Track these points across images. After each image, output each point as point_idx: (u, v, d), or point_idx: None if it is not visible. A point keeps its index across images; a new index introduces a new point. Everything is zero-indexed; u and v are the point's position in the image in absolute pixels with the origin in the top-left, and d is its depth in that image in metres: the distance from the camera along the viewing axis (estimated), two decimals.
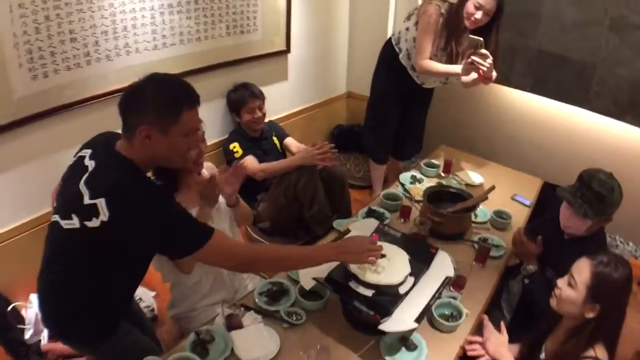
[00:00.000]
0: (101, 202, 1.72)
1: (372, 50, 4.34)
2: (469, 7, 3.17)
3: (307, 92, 4.67)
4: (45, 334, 2.89)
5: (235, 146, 3.44)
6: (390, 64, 3.75)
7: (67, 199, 1.87)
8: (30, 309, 2.91)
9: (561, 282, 1.93)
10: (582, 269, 1.86)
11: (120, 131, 1.88)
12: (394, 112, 3.95)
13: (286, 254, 2.06)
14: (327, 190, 3.44)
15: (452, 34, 3.34)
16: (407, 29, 3.54)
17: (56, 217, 1.87)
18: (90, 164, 1.86)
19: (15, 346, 2.74)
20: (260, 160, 3.46)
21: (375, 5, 4.58)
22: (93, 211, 1.73)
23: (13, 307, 2.84)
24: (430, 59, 3.41)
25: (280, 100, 4.20)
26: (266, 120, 3.68)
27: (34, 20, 2.59)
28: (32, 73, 2.68)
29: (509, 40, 4.06)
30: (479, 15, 3.15)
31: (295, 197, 3.35)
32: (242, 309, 2.16)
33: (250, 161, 3.39)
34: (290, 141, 3.76)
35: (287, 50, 4.19)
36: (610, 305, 1.83)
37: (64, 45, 2.76)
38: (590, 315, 1.84)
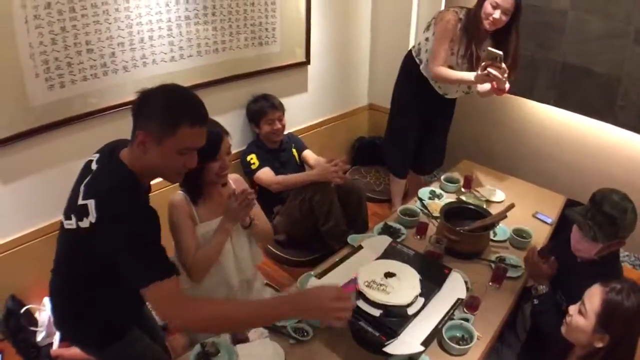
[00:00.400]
0: (91, 203, 1.73)
1: (394, 62, 4.31)
2: (487, 7, 3.13)
3: (328, 104, 4.67)
4: (57, 337, 2.92)
5: (252, 157, 3.45)
6: (410, 75, 3.72)
7: (69, 200, 1.89)
8: (44, 311, 2.93)
9: (572, 309, 1.88)
10: (594, 296, 1.81)
11: None
12: (415, 124, 3.89)
13: (239, 317, 1.82)
14: (344, 203, 3.43)
15: (472, 38, 3.30)
16: (427, 39, 3.50)
17: (62, 218, 1.90)
18: (94, 167, 1.88)
19: (26, 348, 2.78)
20: (277, 172, 3.46)
21: (397, 15, 4.57)
22: (85, 211, 1.75)
23: (27, 309, 2.88)
24: (451, 67, 3.37)
25: (300, 112, 4.20)
26: (286, 132, 3.71)
27: (50, 31, 2.63)
28: (49, 83, 2.72)
29: (533, 52, 4.02)
30: (497, 14, 3.09)
31: (311, 211, 3.35)
32: None
33: (266, 173, 3.42)
34: (308, 154, 3.77)
35: (307, 61, 4.19)
36: (619, 335, 1.77)
37: (80, 56, 2.79)
38: (599, 345, 1.79)
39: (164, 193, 3.04)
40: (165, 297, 1.73)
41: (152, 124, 1.72)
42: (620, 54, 3.59)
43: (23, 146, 2.72)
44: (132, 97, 2.95)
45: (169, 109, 1.74)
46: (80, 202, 1.77)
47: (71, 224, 1.81)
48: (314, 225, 3.41)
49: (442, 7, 4.33)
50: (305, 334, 2.12)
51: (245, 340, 2.08)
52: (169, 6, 3.08)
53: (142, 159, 1.79)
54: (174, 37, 3.17)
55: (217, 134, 2.39)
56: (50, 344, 2.90)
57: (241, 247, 2.57)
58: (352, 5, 4.52)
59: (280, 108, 3.60)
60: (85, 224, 1.74)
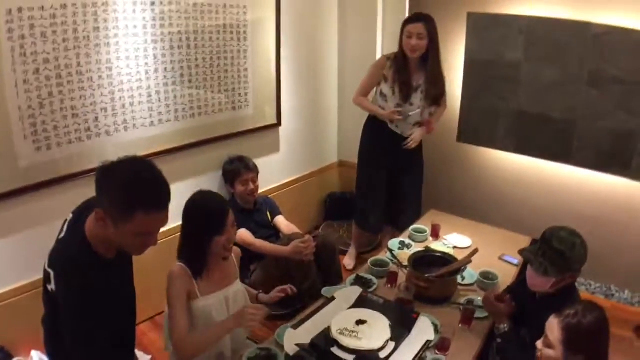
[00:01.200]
0: (52, 274, 1.77)
1: (361, 119, 4.47)
2: (405, 40, 3.60)
3: (299, 163, 4.76)
4: None
5: None
6: (372, 125, 3.96)
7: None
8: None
9: (539, 344, 1.95)
10: (553, 328, 1.88)
11: None
12: (381, 174, 4.04)
13: None
14: (318, 257, 3.51)
15: (402, 69, 3.68)
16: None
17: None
18: (64, 230, 1.90)
19: None
20: (253, 232, 3.56)
21: (362, 74, 4.52)
22: (48, 278, 1.79)
23: None
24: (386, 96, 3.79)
25: (273, 171, 4.30)
26: (260, 191, 3.82)
27: (38, 96, 2.73)
28: (36, 145, 2.80)
29: (491, 103, 4.25)
30: (413, 41, 3.54)
31: (288, 271, 3.44)
32: None
33: (245, 234, 3.50)
34: (280, 220, 3.86)
35: (279, 123, 4.31)
36: (590, 352, 1.86)
37: (66, 120, 2.89)
38: None
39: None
40: None
41: (109, 204, 1.68)
42: (575, 98, 3.82)
43: (11, 204, 2.77)
44: (114, 159, 3.12)
45: (125, 193, 1.68)
46: (46, 268, 1.81)
47: (48, 285, 1.84)
48: (290, 283, 3.42)
49: None
50: None
51: None
52: (148, 74, 3.21)
53: (104, 233, 1.75)
54: (153, 103, 3.29)
55: (223, 209, 2.39)
56: None
57: None
58: (320, 69, 4.68)
59: (254, 169, 3.72)
60: (51, 287, 1.79)
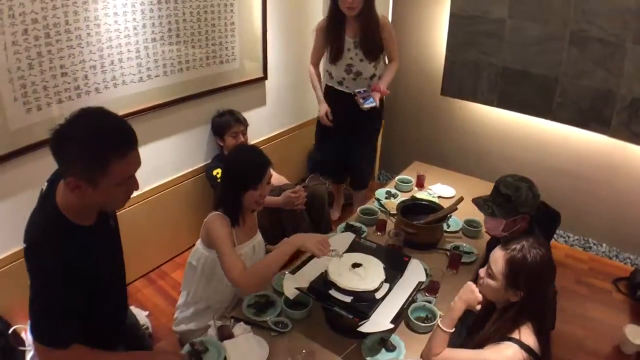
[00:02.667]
0: (25, 248, 1.71)
1: None
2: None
3: (285, 117, 4.80)
4: None
5: (218, 172, 3.58)
6: (326, 92, 4.01)
7: None
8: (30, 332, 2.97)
9: (482, 272, 2.01)
10: (497, 259, 1.92)
11: None
12: (336, 132, 4.04)
13: None
14: (309, 208, 3.58)
15: (338, 29, 3.69)
16: None
17: None
18: (39, 200, 1.82)
19: None
20: None
21: None
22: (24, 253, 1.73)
23: (14, 329, 2.85)
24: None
25: (259, 125, 4.34)
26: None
27: (27, 57, 2.71)
28: (27, 106, 2.79)
29: (474, 59, 4.30)
30: None
31: (279, 222, 3.52)
32: (232, 320, 2.28)
33: None
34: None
35: (265, 77, 4.33)
36: (530, 288, 1.85)
37: (55, 79, 2.88)
38: (514, 299, 1.89)
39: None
40: (40, 356, 1.73)
41: (80, 168, 1.56)
42: (557, 55, 3.88)
43: (5, 168, 2.77)
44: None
45: (93, 150, 1.55)
46: (23, 244, 1.73)
47: None
48: (282, 234, 3.48)
49: (390, 17, 4.57)
50: (285, 326, 2.26)
51: (231, 336, 2.18)
52: (136, 29, 3.20)
53: (80, 201, 1.66)
54: (141, 59, 3.29)
55: (262, 165, 2.45)
56: None
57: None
58: (305, 23, 4.66)
59: (243, 122, 3.76)
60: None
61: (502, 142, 4.52)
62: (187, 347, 2.10)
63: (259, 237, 2.70)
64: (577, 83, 3.88)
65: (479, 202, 2.49)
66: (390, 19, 4.56)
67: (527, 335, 1.84)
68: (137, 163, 1.68)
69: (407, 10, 4.73)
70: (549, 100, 4.06)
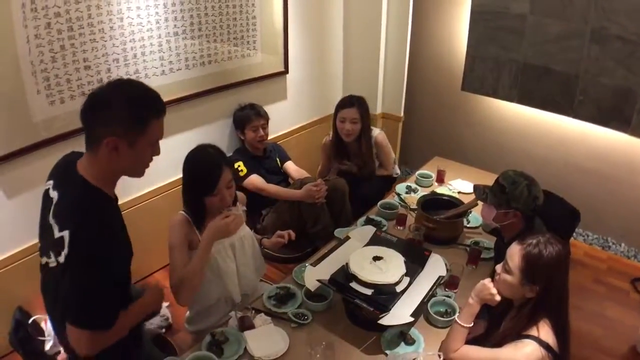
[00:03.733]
0: (66, 235, 1.71)
1: (365, 68, 4.62)
2: (338, 124, 3.84)
3: (306, 110, 4.82)
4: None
5: (239, 165, 3.60)
6: None
7: (41, 236, 1.91)
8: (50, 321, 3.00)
9: (499, 268, 2.01)
10: (514, 254, 1.93)
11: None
12: None
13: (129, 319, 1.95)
14: (329, 200, 3.59)
15: (340, 152, 3.97)
16: None
17: (44, 259, 1.88)
18: (54, 195, 1.85)
19: (35, 357, 2.76)
20: (263, 178, 3.65)
21: (368, 26, 4.75)
22: (61, 244, 1.72)
23: (34, 319, 2.85)
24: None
25: (280, 119, 4.35)
26: (269, 138, 3.89)
27: (50, 50, 2.76)
28: (50, 99, 2.84)
29: (496, 55, 4.28)
30: (347, 125, 3.78)
31: (300, 215, 3.53)
32: (253, 311, 2.31)
33: (257, 179, 3.59)
34: (290, 165, 3.95)
35: (286, 71, 4.35)
36: (547, 283, 1.87)
37: (79, 72, 2.92)
38: (530, 295, 1.90)
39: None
40: (86, 341, 1.75)
41: (122, 128, 1.70)
42: (578, 52, 3.84)
43: (26, 161, 2.81)
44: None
45: (135, 109, 1.73)
46: (57, 235, 1.74)
47: (52, 261, 1.78)
48: (302, 227, 3.55)
49: (409, 20, 4.58)
50: (305, 318, 2.29)
51: (251, 327, 2.21)
52: (159, 23, 3.23)
53: (110, 165, 1.78)
54: (164, 52, 3.33)
55: (214, 170, 2.34)
56: (58, 352, 2.94)
57: (246, 264, 2.60)
58: (326, 18, 4.69)
59: (264, 116, 3.78)
60: (61, 258, 1.72)
61: (522, 139, 4.50)
62: (208, 338, 2.14)
63: (242, 232, 2.59)
64: (598, 81, 3.85)
65: (477, 187, 2.60)
66: (410, 15, 4.57)
67: (545, 332, 1.84)
68: (163, 129, 1.86)
69: (428, 6, 4.72)
70: (570, 97, 4.03)
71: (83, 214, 1.75)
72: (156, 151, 1.87)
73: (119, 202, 3.00)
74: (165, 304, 3.32)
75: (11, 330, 2.78)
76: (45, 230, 1.84)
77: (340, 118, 3.77)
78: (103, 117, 1.72)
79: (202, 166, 2.39)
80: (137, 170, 1.89)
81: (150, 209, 3.50)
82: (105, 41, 3.01)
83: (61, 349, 2.88)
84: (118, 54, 3.09)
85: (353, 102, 3.78)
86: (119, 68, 3.11)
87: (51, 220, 1.79)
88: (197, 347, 2.13)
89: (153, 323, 3.11)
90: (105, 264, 1.73)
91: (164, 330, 3.12)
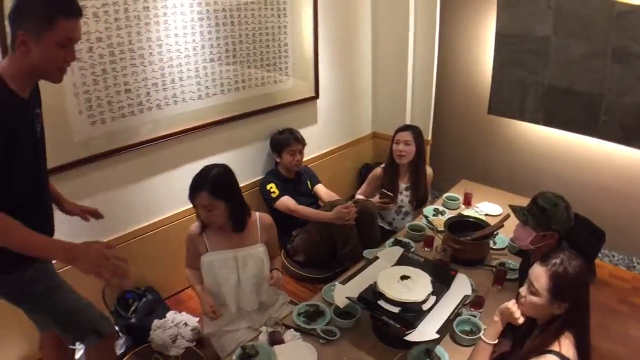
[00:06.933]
0: None
1: (394, 92, 4.70)
2: (393, 147, 3.89)
3: (336, 134, 4.91)
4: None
5: (272, 187, 3.74)
6: None
7: None
8: None
9: (523, 291, 2.00)
10: (539, 276, 1.93)
11: None
12: None
13: (16, 235, 1.88)
14: (358, 222, 3.67)
15: (393, 175, 3.95)
16: None
17: None
18: None
19: None
20: (295, 200, 3.76)
21: (395, 51, 4.84)
22: None
23: None
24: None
25: (310, 142, 4.34)
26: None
27: (92, 73, 2.90)
28: (91, 119, 2.98)
29: (521, 77, 4.36)
30: (400, 146, 3.82)
31: (330, 236, 3.62)
32: (283, 327, 2.38)
33: (289, 201, 3.71)
34: (320, 188, 4.08)
35: (316, 96, 4.46)
36: (575, 298, 1.89)
37: (119, 95, 3.06)
38: (558, 312, 1.91)
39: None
40: None
41: (30, 22, 1.79)
42: (601, 73, 3.90)
43: (69, 175, 2.92)
44: (165, 132, 3.31)
45: (45, 5, 1.80)
46: None
47: None
48: (332, 248, 3.66)
49: (436, 45, 4.66)
50: (333, 334, 2.36)
51: (281, 342, 2.29)
52: (196, 50, 3.37)
53: (23, 62, 1.85)
54: (200, 78, 3.45)
55: (194, 188, 2.56)
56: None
57: (246, 280, 2.74)
58: (354, 44, 4.79)
59: (302, 141, 3.93)
60: None
61: (548, 160, 4.54)
62: (238, 351, 2.21)
63: (249, 250, 2.75)
64: (621, 100, 3.89)
65: (515, 208, 2.57)
66: (437, 39, 4.66)
67: (567, 347, 1.86)
68: (78, 33, 1.91)
69: (454, 29, 4.82)
70: (594, 117, 4.07)
71: None
72: (69, 56, 1.91)
73: (152, 221, 3.33)
74: (195, 319, 3.39)
75: None
76: None
77: (395, 140, 3.85)
78: (20, 18, 1.81)
79: (193, 179, 2.60)
80: (48, 70, 1.93)
81: (181, 228, 3.54)
82: (145, 66, 3.14)
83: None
84: (157, 79, 3.22)
85: (408, 127, 3.89)
86: (157, 92, 3.24)
87: None
88: (229, 358, 2.22)
89: (185, 336, 3.19)
90: None
91: (194, 343, 3.18)
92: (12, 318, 2.90)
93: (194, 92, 3.46)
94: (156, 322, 3.24)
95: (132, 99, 3.13)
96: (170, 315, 3.36)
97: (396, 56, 4.86)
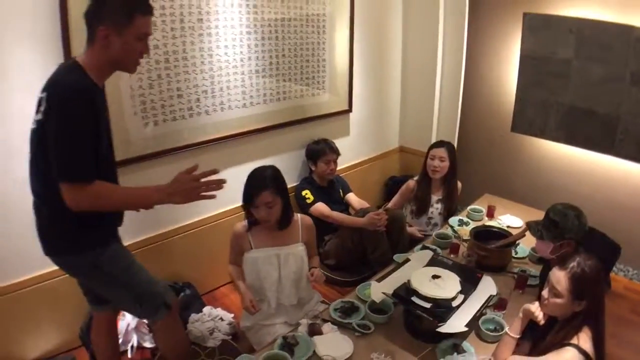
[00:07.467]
0: (44, 95, 1.98)
1: (421, 109, 4.88)
2: (428, 161, 4.04)
3: (365, 147, 5.08)
4: (134, 342, 3.26)
5: (307, 193, 3.93)
6: None
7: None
8: (122, 320, 3.23)
9: (545, 294, 2.16)
10: (560, 279, 2.09)
11: None
12: None
13: (116, 196, 2.13)
14: (388, 230, 3.84)
15: (425, 189, 4.11)
16: None
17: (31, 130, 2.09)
18: (42, 91, 2.04)
19: None
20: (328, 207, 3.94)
21: (424, 67, 5.01)
22: (40, 103, 2.00)
23: None
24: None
25: (343, 153, 4.47)
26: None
27: (148, 77, 3.11)
28: (145, 121, 3.18)
29: (543, 98, 4.53)
30: (435, 162, 3.98)
31: (361, 241, 3.79)
32: (321, 320, 2.56)
33: (323, 207, 3.90)
34: (352, 196, 4.27)
35: (350, 109, 4.65)
36: (592, 295, 2.06)
37: (172, 99, 3.26)
38: (578, 309, 2.07)
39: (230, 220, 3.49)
40: (73, 194, 1.96)
41: (112, 18, 1.98)
42: (619, 94, 4.06)
43: (120, 173, 2.97)
44: (211, 136, 3.52)
45: (125, 2, 2.00)
46: (39, 96, 2.02)
47: (33, 123, 2.04)
48: (362, 253, 3.82)
49: (463, 65, 4.85)
50: (368, 328, 2.52)
51: (320, 333, 2.45)
52: (242, 61, 3.58)
53: (104, 55, 2.04)
54: (246, 87, 3.66)
55: (259, 187, 2.70)
56: (125, 352, 3.19)
57: (287, 277, 2.89)
58: (386, 61, 4.98)
59: (336, 152, 4.12)
60: (39, 116, 1.99)
61: (568, 177, 4.65)
62: (280, 340, 2.37)
63: (291, 249, 2.90)
64: (638, 121, 4.03)
65: (530, 224, 2.76)
66: (464, 58, 4.84)
67: (584, 340, 2.04)
68: (151, 29, 2.12)
69: (481, 50, 4.97)
70: (612, 136, 4.21)
71: (64, 79, 2.01)
72: (144, 49, 2.11)
73: (193, 220, 3.50)
74: (230, 315, 3.54)
75: (84, 326, 3.12)
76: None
77: (430, 156, 4.01)
78: (101, 14, 1.99)
79: (250, 180, 2.78)
80: (126, 62, 2.13)
81: (219, 228, 3.78)
82: (197, 74, 3.34)
83: (128, 348, 3.17)
84: (207, 86, 3.42)
85: (443, 144, 4.04)
86: (206, 99, 3.44)
87: (39, 98, 2.03)
88: (270, 348, 2.36)
89: (221, 330, 3.35)
90: (79, 122, 1.94)
91: (230, 336, 3.33)
92: (49, 304, 3.14)
93: (239, 101, 3.66)
94: (193, 316, 3.41)
95: (183, 104, 3.33)
96: (207, 310, 3.52)
97: (424, 74, 5.03)
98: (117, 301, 2.51)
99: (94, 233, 2.21)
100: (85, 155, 1.98)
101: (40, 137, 2.01)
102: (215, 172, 2.20)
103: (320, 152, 4.07)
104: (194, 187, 2.13)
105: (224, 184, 2.19)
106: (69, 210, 2.00)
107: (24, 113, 2.58)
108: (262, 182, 2.72)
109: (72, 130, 1.93)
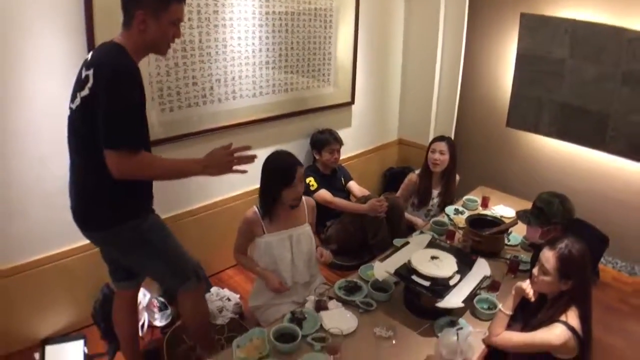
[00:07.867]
0: (90, 72, 2.07)
1: (420, 103, 5.03)
2: (429, 155, 4.19)
3: (366, 138, 5.22)
4: (145, 320, 3.34)
5: (311, 180, 4.05)
6: None
7: (74, 87, 2.19)
8: None
9: (536, 271, 2.34)
10: (548, 258, 2.26)
11: None
12: None
13: (161, 166, 2.28)
14: (387, 217, 3.99)
15: (426, 182, 4.25)
16: None
17: (70, 108, 2.20)
18: (86, 69, 2.13)
19: (113, 335, 2.99)
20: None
21: (424, 62, 5.15)
22: (86, 80, 2.08)
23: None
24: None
25: (344, 144, 4.54)
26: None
27: (165, 65, 3.24)
28: (161, 107, 3.30)
29: (538, 95, 4.67)
30: (436, 155, 4.12)
31: (362, 226, 3.94)
32: (327, 297, 2.68)
33: (326, 193, 4.03)
34: (353, 184, 4.42)
35: (352, 102, 4.79)
36: (579, 277, 2.22)
37: (187, 87, 3.39)
38: (565, 288, 2.24)
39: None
40: (119, 162, 2.06)
41: (150, 4, 2.08)
42: (610, 94, 4.20)
43: None
44: (223, 123, 3.64)
45: None
46: (84, 74, 2.10)
47: (76, 101, 2.13)
48: (363, 238, 3.96)
49: (461, 62, 4.99)
50: (370, 305, 2.68)
51: (326, 309, 2.59)
52: (254, 53, 3.72)
53: (140, 37, 2.14)
54: (256, 78, 3.80)
55: (293, 164, 2.86)
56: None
57: (299, 257, 3.03)
58: (387, 56, 5.12)
59: (340, 141, 4.26)
60: (85, 92, 2.07)
61: (559, 171, 4.78)
62: (288, 315, 2.50)
63: (302, 229, 3.06)
64: (629, 119, 4.17)
65: (519, 213, 2.98)
66: (462, 55, 4.99)
67: (572, 318, 2.22)
68: (184, 15, 2.25)
69: (479, 48, 5.09)
70: (603, 133, 4.35)
71: (109, 56, 2.12)
72: (177, 33, 2.23)
73: (204, 203, 3.62)
74: (237, 296, 3.68)
75: (97, 304, 3.20)
76: (77, 83, 2.17)
77: (431, 149, 4.16)
78: (139, 0, 2.10)
79: (283, 163, 2.91)
80: (160, 45, 2.24)
81: (228, 212, 3.92)
82: (211, 63, 3.48)
83: (138, 327, 3.16)
84: (220, 75, 3.56)
85: (444, 138, 4.19)
86: (220, 87, 3.57)
87: (83, 72, 2.13)
88: (280, 321, 2.48)
89: (229, 309, 3.48)
90: (129, 96, 2.07)
91: (237, 315, 3.46)
92: (64, 283, 3.24)
93: (249, 90, 3.80)
94: None
95: (197, 92, 3.46)
96: (215, 290, 3.68)
97: (424, 70, 5.17)
98: (152, 270, 2.62)
99: (137, 202, 2.37)
100: (134, 126, 2.12)
101: (86, 112, 2.10)
102: (248, 148, 2.36)
103: (325, 141, 4.21)
104: (228, 161, 2.29)
105: (255, 159, 2.35)
106: (114, 181, 2.11)
107: (46, 95, 2.78)
108: (294, 159, 2.92)
109: (124, 104, 2.05)
